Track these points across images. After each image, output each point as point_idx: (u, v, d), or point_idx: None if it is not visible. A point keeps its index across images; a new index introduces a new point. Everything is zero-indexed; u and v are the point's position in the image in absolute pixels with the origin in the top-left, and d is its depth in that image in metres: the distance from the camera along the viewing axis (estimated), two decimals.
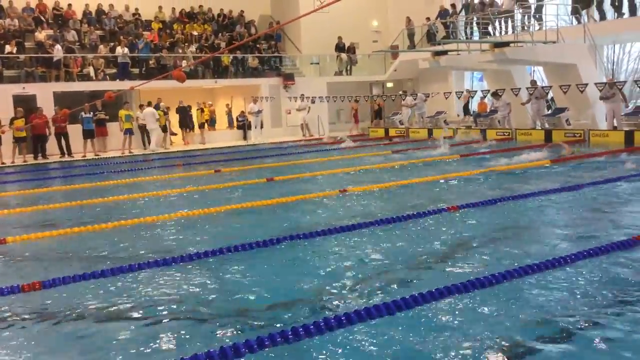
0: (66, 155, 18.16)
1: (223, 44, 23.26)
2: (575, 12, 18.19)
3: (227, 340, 3.77)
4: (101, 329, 4.22)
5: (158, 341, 3.94)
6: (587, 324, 3.90)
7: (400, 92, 24.20)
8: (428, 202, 8.32)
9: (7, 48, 19.38)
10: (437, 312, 4.16)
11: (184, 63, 21.39)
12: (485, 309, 4.22)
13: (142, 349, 3.85)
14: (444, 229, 6.77)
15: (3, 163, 16.99)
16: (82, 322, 4.37)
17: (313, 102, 22.61)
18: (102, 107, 18.72)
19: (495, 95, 18.68)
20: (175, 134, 21.32)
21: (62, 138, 18.21)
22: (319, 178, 11.66)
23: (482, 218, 7.27)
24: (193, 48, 23.14)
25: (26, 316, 4.53)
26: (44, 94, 18.76)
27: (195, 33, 24.33)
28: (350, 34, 25.40)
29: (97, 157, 18.25)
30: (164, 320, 4.33)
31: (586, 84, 15.93)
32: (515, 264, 4.99)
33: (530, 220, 7.07)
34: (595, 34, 17.08)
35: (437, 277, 4.94)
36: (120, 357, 3.76)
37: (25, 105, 18.12)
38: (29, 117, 17.56)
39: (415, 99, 22.24)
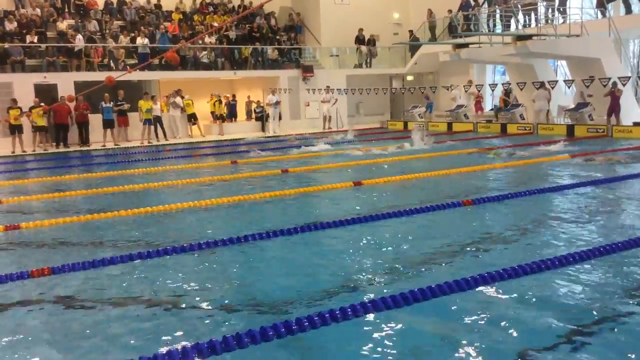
0: (84, 145, 18.31)
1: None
2: (601, 5, 17.80)
3: (237, 328, 3.74)
4: (110, 316, 4.22)
5: (165, 328, 3.93)
6: (605, 320, 3.81)
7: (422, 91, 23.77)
8: (443, 195, 8.20)
9: (28, 38, 19.58)
10: (451, 304, 4.09)
11: (202, 54, 21.43)
12: (502, 303, 4.14)
13: (147, 335, 3.84)
14: (458, 222, 6.67)
15: (24, 151, 17.23)
16: (90, 309, 4.37)
17: (340, 93, 22.45)
18: (123, 98, 18.85)
19: (543, 86, 18.10)
20: (195, 123, 21.15)
21: (83, 127, 18.37)
22: (333, 170, 11.60)
23: (497, 212, 7.15)
24: (213, 39, 23.16)
25: (34, 302, 4.55)
26: (64, 83, 18.92)
27: (215, 24, 24.34)
28: (371, 26, 25.20)
29: (116, 146, 18.39)
30: (173, 308, 4.31)
31: (609, 79, 15.58)
32: (530, 259, 4.86)
33: (549, 215, 6.92)
34: (621, 28, 16.70)
35: (452, 270, 4.88)
36: (125, 343, 3.75)
37: (46, 95, 18.30)
38: (52, 106, 17.73)
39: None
